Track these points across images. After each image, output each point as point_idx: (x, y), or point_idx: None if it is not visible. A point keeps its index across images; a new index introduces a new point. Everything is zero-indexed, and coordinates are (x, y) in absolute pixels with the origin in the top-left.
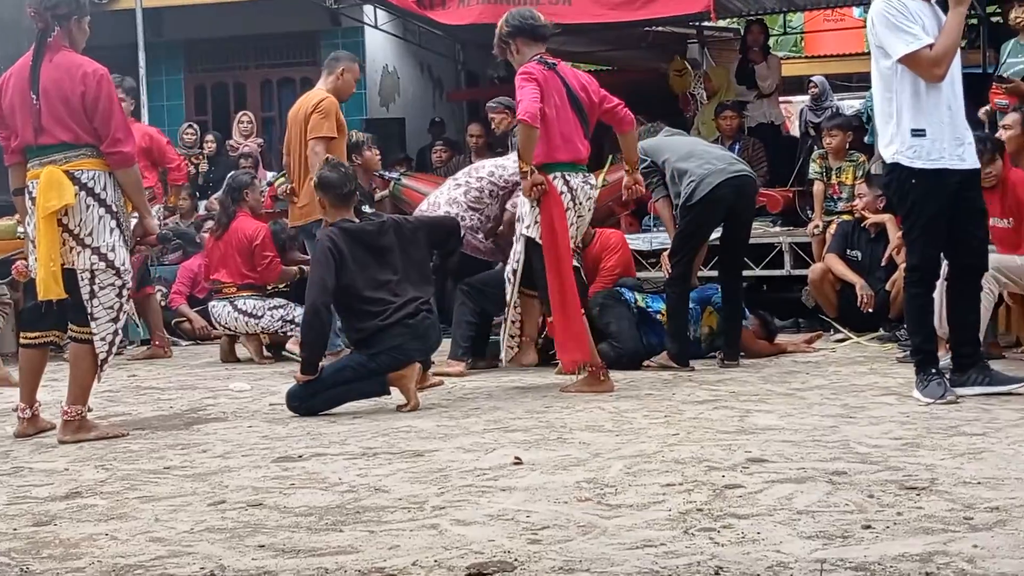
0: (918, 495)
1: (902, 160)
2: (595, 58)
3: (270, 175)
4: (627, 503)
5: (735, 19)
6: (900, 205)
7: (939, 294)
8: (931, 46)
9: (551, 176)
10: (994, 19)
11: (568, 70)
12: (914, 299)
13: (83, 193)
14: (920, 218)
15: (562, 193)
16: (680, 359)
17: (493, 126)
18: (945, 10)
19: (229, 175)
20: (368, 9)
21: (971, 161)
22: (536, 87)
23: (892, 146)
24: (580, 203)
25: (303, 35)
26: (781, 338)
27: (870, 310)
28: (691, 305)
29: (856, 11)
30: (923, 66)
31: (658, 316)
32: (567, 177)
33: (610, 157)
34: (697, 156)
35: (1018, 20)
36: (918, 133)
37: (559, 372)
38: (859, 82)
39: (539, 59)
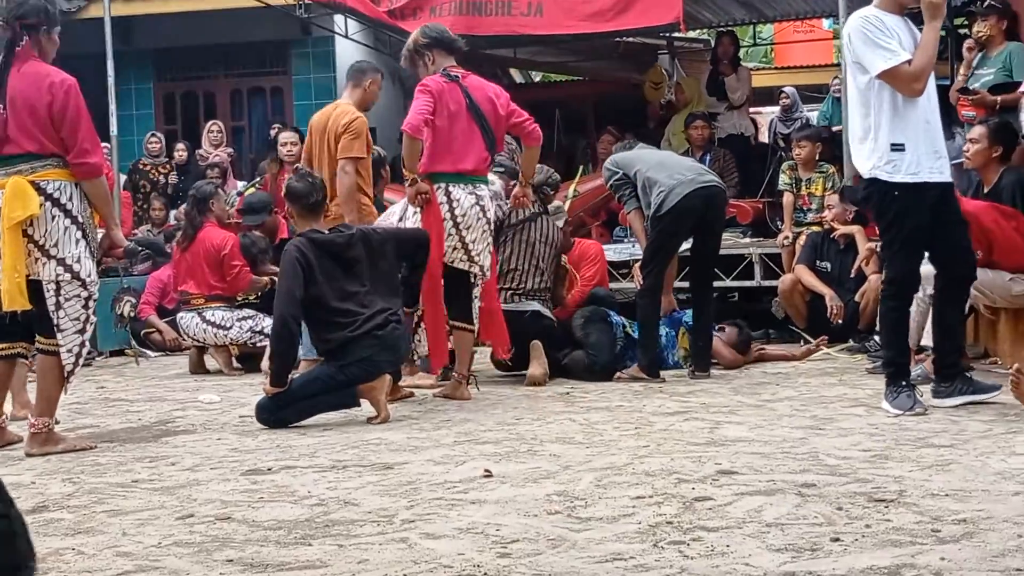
0: (886, 507)
1: (881, 175)
2: (566, 69)
3: (240, 184)
4: (597, 516)
5: (705, 30)
6: (880, 219)
7: (914, 308)
8: (909, 61)
9: (434, 186)
10: (962, 31)
11: (476, 82)
12: (890, 312)
13: (48, 204)
14: (901, 232)
15: (441, 203)
16: (651, 370)
17: None
18: (919, 26)
19: (193, 186)
20: (339, 19)
21: (947, 174)
22: (429, 99)
23: (870, 161)
24: (462, 214)
25: (273, 44)
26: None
27: (840, 321)
28: (665, 330)
29: (826, 23)
30: (903, 81)
31: None
32: (449, 188)
33: (580, 169)
34: (667, 167)
35: (980, 34)
36: (897, 147)
37: (528, 384)
38: (829, 93)
39: (443, 71)
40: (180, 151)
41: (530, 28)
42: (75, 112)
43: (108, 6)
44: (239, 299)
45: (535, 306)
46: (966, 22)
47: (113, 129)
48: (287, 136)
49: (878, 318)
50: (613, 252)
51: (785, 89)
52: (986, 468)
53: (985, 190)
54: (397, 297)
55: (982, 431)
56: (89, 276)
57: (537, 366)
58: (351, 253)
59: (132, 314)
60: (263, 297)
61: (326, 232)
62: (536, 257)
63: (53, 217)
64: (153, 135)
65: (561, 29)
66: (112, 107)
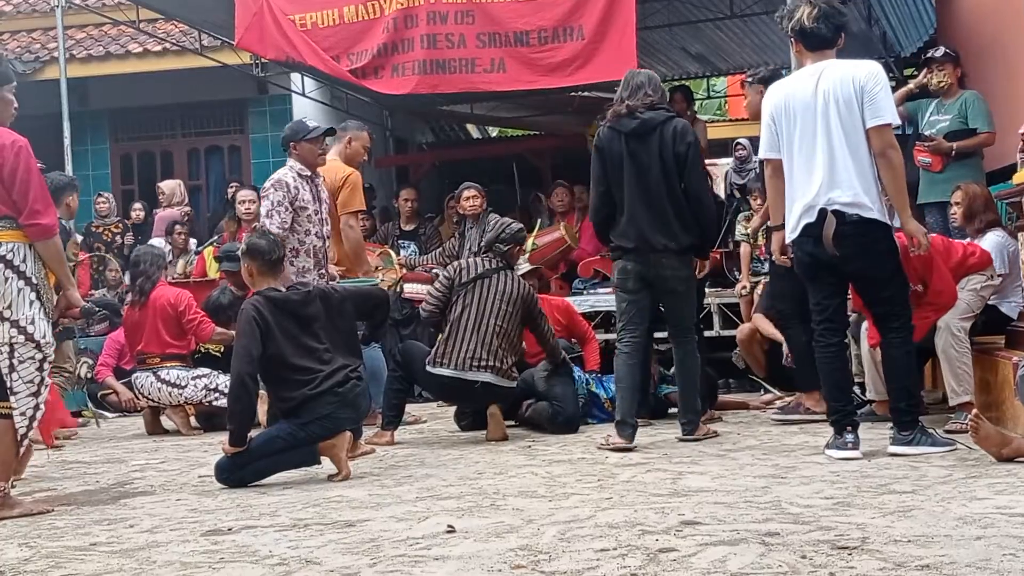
0: (850, 555)
1: (884, 219)
2: (522, 124)
3: (192, 243)
4: (561, 570)
5: None
6: (888, 262)
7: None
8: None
9: None
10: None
11: None
12: (911, 354)
13: (1, 265)
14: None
15: None
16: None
17: (464, 204)
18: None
19: (142, 248)
20: (295, 77)
21: None
22: None
23: (876, 204)
24: None
25: (230, 103)
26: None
27: None
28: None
29: None
30: (888, 142)
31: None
32: None
33: (539, 221)
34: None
35: (940, 83)
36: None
37: (489, 438)
38: None
39: None
40: (137, 211)
41: (493, 84)
42: (25, 173)
43: (64, 67)
44: (202, 350)
45: (486, 377)
46: (915, 72)
47: None
48: (245, 194)
49: (893, 365)
50: (575, 304)
51: (740, 140)
52: (948, 513)
53: None
54: (357, 355)
55: (943, 476)
56: (44, 338)
57: (495, 432)
58: (308, 310)
59: (89, 375)
60: (226, 351)
61: (283, 290)
62: (491, 315)
63: (6, 279)
64: (100, 195)
65: (523, 84)
66: (68, 168)
